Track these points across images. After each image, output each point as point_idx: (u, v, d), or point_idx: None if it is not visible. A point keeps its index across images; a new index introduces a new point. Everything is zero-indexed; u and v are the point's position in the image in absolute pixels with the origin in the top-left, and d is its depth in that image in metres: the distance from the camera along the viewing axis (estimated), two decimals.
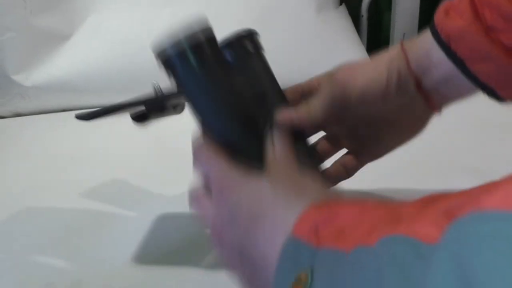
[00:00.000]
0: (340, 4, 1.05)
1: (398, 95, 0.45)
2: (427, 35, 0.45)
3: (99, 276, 0.45)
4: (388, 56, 0.46)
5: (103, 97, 0.84)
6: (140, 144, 0.74)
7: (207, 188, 0.41)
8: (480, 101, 0.53)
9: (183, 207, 0.51)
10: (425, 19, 1.13)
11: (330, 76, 0.46)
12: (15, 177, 0.70)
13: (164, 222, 0.55)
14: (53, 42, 0.87)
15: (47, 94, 0.87)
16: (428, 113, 0.47)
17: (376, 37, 1.24)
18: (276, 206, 0.34)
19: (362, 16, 1.17)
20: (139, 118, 0.47)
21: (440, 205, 0.23)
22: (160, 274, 0.50)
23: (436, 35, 0.44)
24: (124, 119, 0.75)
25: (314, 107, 0.46)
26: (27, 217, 0.61)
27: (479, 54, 0.42)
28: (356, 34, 1.01)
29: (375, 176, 0.52)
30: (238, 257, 0.37)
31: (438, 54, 0.44)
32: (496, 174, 0.23)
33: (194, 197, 0.43)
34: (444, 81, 0.45)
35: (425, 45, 0.44)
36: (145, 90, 0.89)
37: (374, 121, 0.47)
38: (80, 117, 0.48)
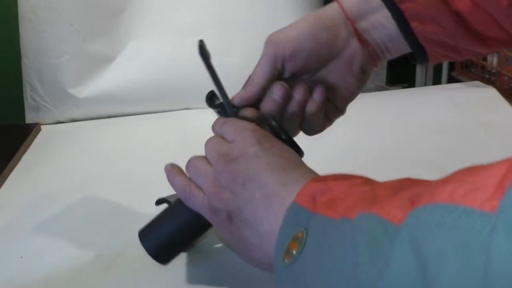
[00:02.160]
0: None
1: (329, 38, 0.44)
2: None
3: (138, 249, 0.47)
4: (323, 13, 0.45)
5: (140, 107, 0.96)
6: (174, 143, 0.82)
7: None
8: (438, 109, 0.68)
9: None
10: None
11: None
12: (73, 169, 0.78)
13: None
14: (101, 63, 0.95)
15: (97, 104, 0.95)
16: (369, 64, 0.46)
17: None
18: (280, 185, 0.35)
19: None
20: None
21: (407, 192, 0.25)
22: None
23: None
24: (160, 126, 0.85)
25: (255, 76, 0.45)
26: (82, 201, 0.67)
27: (428, 16, 0.41)
28: None
29: (350, 168, 0.49)
30: (240, 227, 0.37)
31: (381, 9, 0.43)
32: (447, 166, 0.26)
33: (193, 162, 0.41)
34: (379, 29, 0.44)
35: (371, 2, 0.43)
36: (172, 101, 1.00)
37: (320, 67, 0.46)
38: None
